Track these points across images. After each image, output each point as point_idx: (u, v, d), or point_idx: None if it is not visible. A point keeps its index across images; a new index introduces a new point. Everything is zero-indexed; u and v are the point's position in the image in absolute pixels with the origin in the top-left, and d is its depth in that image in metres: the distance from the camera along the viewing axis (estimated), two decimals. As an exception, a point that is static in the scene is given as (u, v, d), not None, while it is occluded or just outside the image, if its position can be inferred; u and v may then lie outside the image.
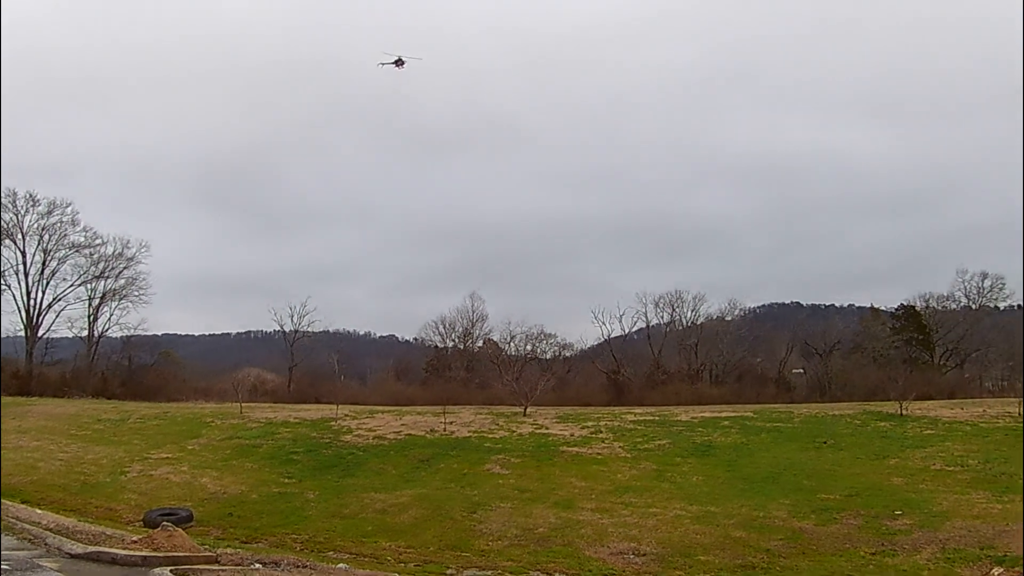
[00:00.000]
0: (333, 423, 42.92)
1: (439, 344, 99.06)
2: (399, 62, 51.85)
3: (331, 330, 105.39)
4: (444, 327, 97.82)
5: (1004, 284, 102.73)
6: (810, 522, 22.45)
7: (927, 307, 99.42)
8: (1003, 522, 22.52)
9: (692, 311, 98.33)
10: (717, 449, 33.89)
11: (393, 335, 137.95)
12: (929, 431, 38.89)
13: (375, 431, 40.20)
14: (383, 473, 30.79)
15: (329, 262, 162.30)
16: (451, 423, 42.24)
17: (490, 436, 38.68)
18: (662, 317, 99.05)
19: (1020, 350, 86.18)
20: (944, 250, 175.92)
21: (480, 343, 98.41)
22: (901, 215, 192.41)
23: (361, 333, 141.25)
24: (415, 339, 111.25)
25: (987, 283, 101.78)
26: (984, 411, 45.48)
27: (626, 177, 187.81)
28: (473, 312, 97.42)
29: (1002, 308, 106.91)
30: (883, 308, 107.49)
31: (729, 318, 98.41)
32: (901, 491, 26.58)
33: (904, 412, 44.06)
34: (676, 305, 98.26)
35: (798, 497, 25.34)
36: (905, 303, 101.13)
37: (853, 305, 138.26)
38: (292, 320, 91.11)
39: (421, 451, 34.69)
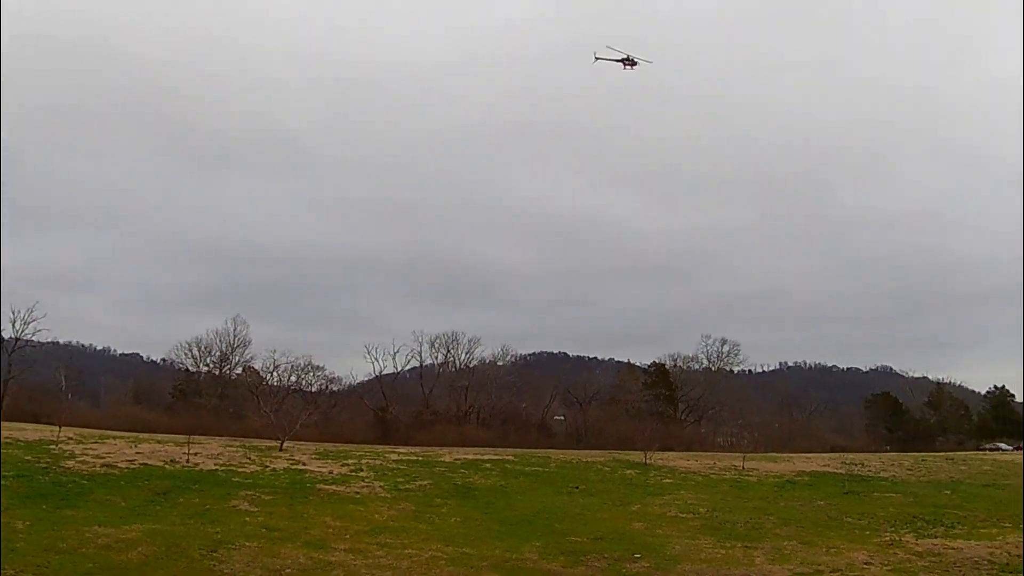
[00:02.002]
0: (53, 446, 38.61)
1: (191, 368, 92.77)
2: (629, 62, 43.87)
3: (61, 342, 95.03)
4: (199, 350, 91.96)
5: (739, 350, 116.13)
6: (559, 564, 23.44)
7: (675, 366, 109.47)
8: (726, 566, 24.95)
9: (466, 353, 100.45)
10: (477, 491, 34.60)
11: (137, 354, 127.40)
12: (668, 480, 42.50)
13: (104, 458, 36.67)
14: (110, 505, 27.96)
15: (64, 266, 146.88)
16: (196, 454, 39.59)
17: (240, 470, 36.67)
18: (436, 357, 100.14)
19: (752, 409, 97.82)
20: (692, 315, 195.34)
21: (239, 370, 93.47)
22: (659, 280, 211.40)
23: (98, 348, 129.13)
24: (163, 360, 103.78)
25: (725, 348, 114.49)
26: (715, 464, 50.56)
27: (414, 215, 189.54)
28: (234, 337, 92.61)
29: (735, 372, 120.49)
30: (638, 364, 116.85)
31: (501, 363, 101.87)
32: (641, 535, 28.67)
33: (648, 461, 47.85)
34: (451, 346, 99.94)
35: (550, 540, 26.42)
36: (657, 361, 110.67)
37: (613, 359, 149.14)
38: (13, 327, 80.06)
39: (158, 483, 32.05)
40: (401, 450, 49.90)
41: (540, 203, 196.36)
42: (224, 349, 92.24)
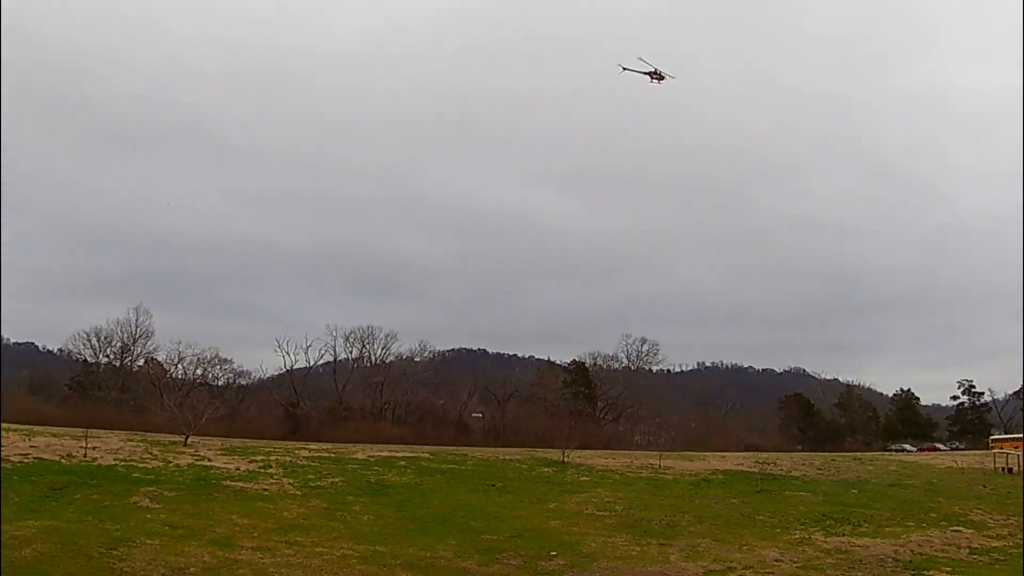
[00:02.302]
0: (-62, 440, 36.58)
1: (89, 359, 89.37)
2: (656, 75, 43.79)
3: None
4: (98, 340, 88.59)
5: (659, 349, 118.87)
6: (474, 562, 23.58)
7: (595, 364, 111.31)
8: (641, 563, 25.58)
9: (383, 349, 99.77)
10: (391, 489, 34.44)
11: (32, 343, 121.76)
12: (585, 478, 43.19)
13: (-5, 453, 34.98)
14: (2, 500, 26.76)
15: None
16: (94, 448, 38.18)
17: (141, 466, 35.53)
18: (351, 352, 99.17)
19: (670, 408, 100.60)
20: (614, 314, 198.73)
21: (141, 362, 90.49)
22: (582, 279, 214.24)
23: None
24: (60, 350, 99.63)
25: (645, 347, 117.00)
26: (631, 462, 51.65)
27: (331, 206, 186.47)
28: (136, 327, 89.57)
29: (655, 371, 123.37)
30: (559, 362, 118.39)
31: (418, 359, 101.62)
32: (557, 533, 29.10)
33: (566, 459, 48.50)
34: (367, 341, 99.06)
35: (464, 538, 26.55)
36: (577, 359, 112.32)
37: (533, 357, 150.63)
38: None
39: (53, 478, 30.79)
40: (312, 447, 49.27)
41: (463, 197, 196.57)
42: (125, 339, 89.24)
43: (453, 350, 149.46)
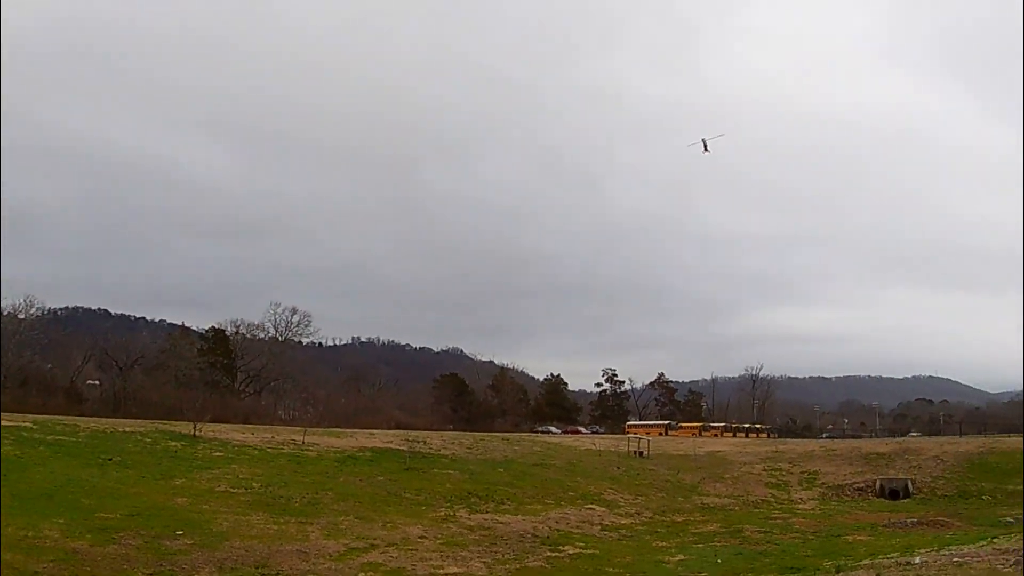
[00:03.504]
0: None
1: None
2: (706, 147, 52.98)
3: None
4: None
5: (311, 321, 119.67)
6: (86, 542, 22.86)
7: (237, 333, 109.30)
8: (278, 542, 26.58)
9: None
10: (-17, 462, 31.65)
11: None
12: (219, 453, 42.99)
13: None
14: None
15: None
16: None
17: None
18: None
19: (319, 383, 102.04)
20: (264, 281, 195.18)
21: None
22: (230, 241, 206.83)
23: None
24: None
25: (296, 318, 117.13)
26: (273, 437, 52.21)
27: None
28: None
29: (304, 343, 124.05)
30: (195, 328, 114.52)
31: (23, 316, 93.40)
32: (184, 511, 29.05)
33: (198, 433, 47.69)
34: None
35: (75, 516, 25.54)
36: (217, 326, 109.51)
37: (165, 321, 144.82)
38: None
39: None
40: None
41: (89, 139, 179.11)
42: None
43: (67, 308, 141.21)
